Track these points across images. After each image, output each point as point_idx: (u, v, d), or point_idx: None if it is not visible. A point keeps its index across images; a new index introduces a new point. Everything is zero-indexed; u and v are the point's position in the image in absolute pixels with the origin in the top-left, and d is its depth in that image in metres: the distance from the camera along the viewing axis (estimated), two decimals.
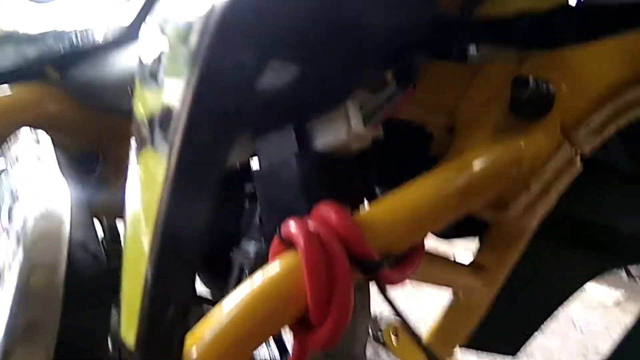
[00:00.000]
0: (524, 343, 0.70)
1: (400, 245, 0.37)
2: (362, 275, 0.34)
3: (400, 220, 0.37)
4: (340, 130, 0.40)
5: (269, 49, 0.21)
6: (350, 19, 0.35)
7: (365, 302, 0.52)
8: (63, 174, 0.46)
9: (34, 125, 0.65)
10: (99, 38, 0.53)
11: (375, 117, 0.42)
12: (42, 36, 0.63)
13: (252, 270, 0.61)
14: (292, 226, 0.34)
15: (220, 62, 0.17)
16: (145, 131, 0.21)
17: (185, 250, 0.21)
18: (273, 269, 0.34)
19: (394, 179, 0.65)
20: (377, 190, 0.67)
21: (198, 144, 0.19)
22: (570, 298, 0.70)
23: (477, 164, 0.39)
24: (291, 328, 0.34)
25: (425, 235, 0.38)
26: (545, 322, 0.70)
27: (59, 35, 0.61)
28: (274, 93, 0.38)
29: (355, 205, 0.43)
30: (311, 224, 0.34)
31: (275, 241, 0.35)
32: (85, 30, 0.56)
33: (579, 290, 0.69)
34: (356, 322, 0.44)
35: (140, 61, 0.24)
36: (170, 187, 0.19)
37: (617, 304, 2.68)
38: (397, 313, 0.34)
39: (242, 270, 0.66)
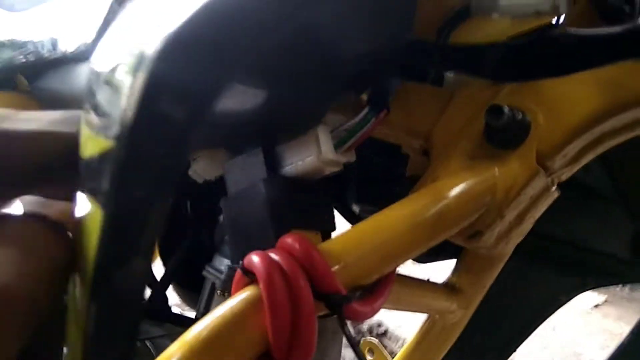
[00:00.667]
0: None
1: (370, 277, 0.36)
2: (328, 310, 0.33)
3: (370, 252, 0.35)
4: (311, 156, 0.39)
5: (220, 85, 0.19)
6: (322, 45, 0.34)
7: (337, 328, 0.51)
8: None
9: None
10: (67, 49, 0.51)
11: (348, 142, 0.40)
12: (13, 44, 0.61)
13: (224, 289, 0.60)
14: (254, 259, 0.33)
15: (152, 117, 0.16)
16: (84, 172, 0.20)
17: (126, 311, 0.20)
18: (234, 303, 0.33)
19: (372, 196, 0.65)
20: (356, 207, 0.66)
21: (131, 200, 0.17)
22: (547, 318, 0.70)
23: (450, 194, 0.38)
24: None
25: (396, 267, 0.37)
26: (522, 342, 0.69)
27: (29, 44, 0.59)
28: (239, 115, 0.37)
29: (328, 231, 0.42)
30: (274, 256, 0.33)
31: (238, 273, 0.34)
32: (54, 40, 0.55)
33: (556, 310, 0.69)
34: (326, 347, 0.43)
35: (87, 89, 0.22)
36: (102, 244, 0.18)
37: (597, 307, 2.70)
38: (355, 351, 0.33)
39: (213, 288, 0.65)
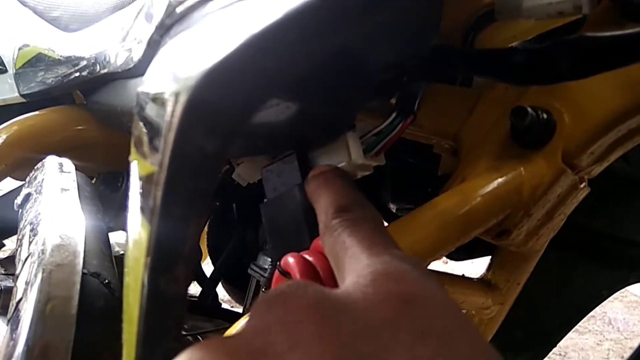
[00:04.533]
0: (542, 358, 0.70)
1: None
2: None
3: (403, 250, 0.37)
4: (342, 161, 0.41)
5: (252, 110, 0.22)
6: (352, 61, 0.36)
7: None
8: (86, 201, 0.49)
9: (63, 147, 0.68)
10: (117, 65, 0.55)
11: (377, 146, 0.42)
12: (70, 61, 0.66)
13: (267, 286, 0.64)
14: (290, 260, 0.35)
15: (190, 145, 0.19)
16: (137, 190, 0.23)
17: (171, 310, 0.23)
18: None
19: (407, 195, 0.67)
20: (392, 206, 0.68)
21: (171, 218, 0.20)
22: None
23: (477, 194, 0.39)
24: None
25: (426, 266, 0.39)
26: (562, 338, 0.69)
27: (83, 60, 0.64)
28: (273, 126, 0.40)
29: None
30: (309, 257, 0.36)
31: (277, 273, 0.37)
32: (106, 56, 0.59)
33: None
34: None
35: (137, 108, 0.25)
36: (149, 254, 0.21)
37: None
38: None
39: (258, 285, 0.68)
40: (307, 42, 0.24)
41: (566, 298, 0.69)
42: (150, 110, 0.22)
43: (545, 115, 0.40)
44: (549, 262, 0.53)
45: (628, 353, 2.20)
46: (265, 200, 0.44)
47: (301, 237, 0.40)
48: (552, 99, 0.41)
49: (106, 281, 0.40)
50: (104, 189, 0.72)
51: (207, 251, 0.81)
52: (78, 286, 0.36)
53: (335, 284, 0.35)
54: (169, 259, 0.21)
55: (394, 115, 0.42)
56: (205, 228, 0.80)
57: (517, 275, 0.52)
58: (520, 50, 0.36)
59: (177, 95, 0.19)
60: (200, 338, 0.64)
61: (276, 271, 0.37)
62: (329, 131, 0.42)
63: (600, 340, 2.22)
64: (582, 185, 0.43)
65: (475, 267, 0.58)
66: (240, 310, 0.78)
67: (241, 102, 0.19)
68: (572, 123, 0.40)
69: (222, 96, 0.19)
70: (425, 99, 0.47)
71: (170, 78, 0.22)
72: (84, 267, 0.39)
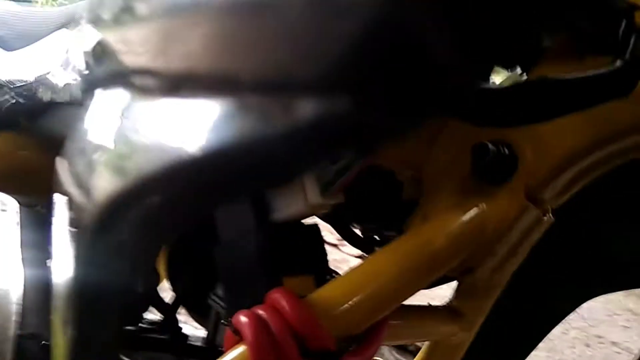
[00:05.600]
0: None
1: (362, 327, 0.36)
2: None
3: (361, 301, 0.36)
4: (297, 202, 0.39)
5: None
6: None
7: None
8: (29, 245, 0.45)
9: (7, 174, 0.64)
10: (61, 94, 0.52)
11: (336, 183, 0.40)
12: (12, 84, 0.62)
13: (228, 321, 0.61)
14: (242, 319, 0.33)
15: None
16: None
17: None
18: None
19: (371, 216, 0.65)
20: (357, 228, 0.66)
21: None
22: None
23: (439, 236, 0.38)
24: None
25: (387, 312, 0.37)
26: (531, 351, 0.69)
27: (27, 85, 0.60)
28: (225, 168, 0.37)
29: (321, 272, 0.42)
30: (262, 314, 0.34)
31: (229, 331, 0.35)
32: (49, 83, 0.55)
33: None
34: None
35: None
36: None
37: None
38: None
39: (218, 316, 0.65)
40: None
41: (533, 312, 0.69)
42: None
43: (506, 151, 0.38)
44: (512, 279, 0.52)
45: (593, 341, 2.26)
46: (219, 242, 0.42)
47: (256, 287, 0.38)
48: (514, 133, 0.39)
49: (46, 342, 0.37)
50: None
51: (165, 275, 0.77)
52: (10, 355, 0.33)
53: (289, 344, 0.33)
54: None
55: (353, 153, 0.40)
56: (163, 250, 0.77)
57: (484, 303, 0.51)
58: (480, 90, 0.34)
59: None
60: None
61: (228, 330, 0.35)
62: (282, 176, 0.39)
63: (566, 329, 2.27)
64: (545, 218, 0.42)
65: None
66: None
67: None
68: (534, 158, 0.39)
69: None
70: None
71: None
72: (20, 328, 0.36)
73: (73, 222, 0.20)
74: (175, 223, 0.20)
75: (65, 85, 0.51)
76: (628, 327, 2.39)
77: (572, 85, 0.31)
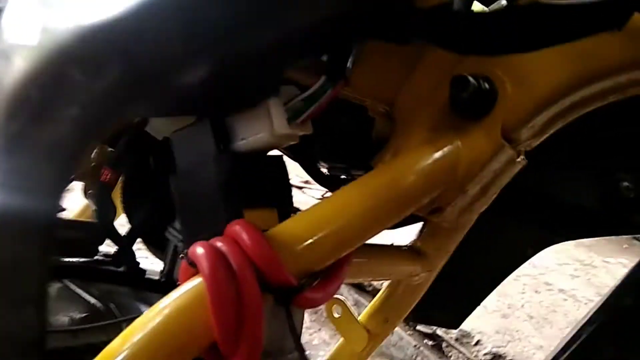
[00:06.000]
0: (466, 316, 0.71)
1: (325, 263, 0.34)
2: (278, 302, 0.32)
3: (325, 237, 0.34)
4: (263, 131, 0.36)
5: None
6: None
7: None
8: None
9: None
10: None
11: (303, 114, 0.38)
12: None
13: (185, 254, 0.59)
14: (198, 250, 0.31)
15: None
16: None
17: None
18: (178, 295, 0.31)
19: (340, 154, 0.63)
20: (324, 166, 0.64)
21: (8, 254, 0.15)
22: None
23: (410, 172, 0.36)
24: (204, 357, 0.32)
25: (352, 250, 0.35)
26: (489, 294, 0.70)
27: None
28: (180, 86, 0.34)
29: (285, 207, 0.40)
30: (220, 246, 0.31)
31: (184, 263, 0.32)
32: None
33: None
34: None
35: None
36: None
37: None
38: (298, 344, 0.32)
39: (176, 250, 0.63)
40: None
41: (492, 256, 0.69)
42: None
43: (487, 85, 0.36)
44: (477, 220, 0.51)
45: (542, 287, 2.36)
46: (175, 170, 0.39)
47: (215, 218, 0.36)
48: (495, 66, 0.37)
49: None
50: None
51: (122, 207, 0.74)
52: None
53: (249, 277, 0.31)
54: (12, 297, 0.16)
55: (323, 79, 0.37)
56: (120, 182, 0.73)
57: (447, 244, 0.51)
58: (463, 15, 0.31)
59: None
60: (114, 307, 0.60)
61: (184, 261, 0.33)
62: (248, 94, 0.36)
63: (517, 276, 2.36)
64: (519, 159, 0.40)
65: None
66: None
67: None
68: (514, 94, 0.37)
69: None
70: (360, 58, 0.42)
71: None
72: None
73: None
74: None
75: None
76: (576, 276, 2.50)
77: (565, 12, 0.29)
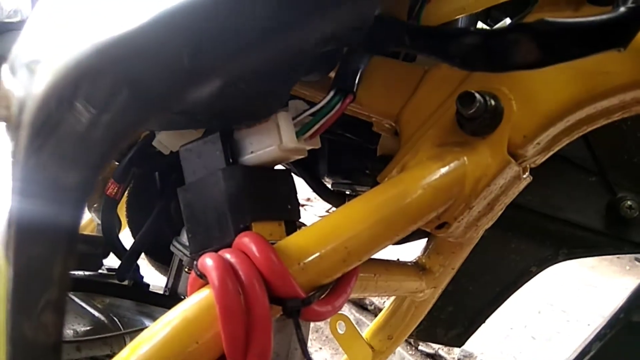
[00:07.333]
0: (471, 334, 0.71)
1: (332, 276, 0.34)
2: (287, 314, 0.32)
3: (332, 250, 0.34)
4: (271, 145, 0.37)
5: None
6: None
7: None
8: None
9: None
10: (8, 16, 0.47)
11: (312, 128, 0.38)
12: None
13: (190, 267, 0.59)
14: (207, 261, 0.31)
15: None
16: None
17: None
18: (187, 307, 0.31)
19: (344, 170, 0.63)
20: (328, 181, 0.65)
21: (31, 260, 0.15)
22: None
23: (416, 188, 0.36)
24: None
25: (359, 263, 0.36)
26: (493, 312, 0.70)
27: None
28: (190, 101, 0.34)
29: (292, 220, 0.40)
30: (229, 258, 0.31)
31: (193, 275, 0.33)
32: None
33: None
34: (292, 340, 0.42)
35: None
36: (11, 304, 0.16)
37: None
38: (307, 356, 0.32)
39: (181, 263, 0.63)
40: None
41: (497, 274, 0.69)
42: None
43: (492, 102, 0.37)
44: (482, 238, 0.51)
45: (545, 308, 2.35)
46: (184, 184, 0.39)
47: (224, 230, 0.36)
48: (501, 83, 0.38)
49: None
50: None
51: (126, 221, 0.75)
52: None
53: (258, 289, 0.31)
54: (32, 302, 0.17)
55: (332, 93, 0.38)
56: (125, 197, 0.74)
57: (452, 261, 0.51)
58: (470, 31, 0.32)
59: None
60: (118, 320, 0.60)
61: (192, 272, 0.33)
62: (257, 109, 0.37)
63: (520, 296, 2.35)
64: (524, 176, 0.41)
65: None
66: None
67: None
68: (520, 111, 0.37)
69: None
70: (366, 74, 0.43)
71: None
72: None
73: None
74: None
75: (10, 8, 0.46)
76: (579, 297, 2.48)
77: (571, 29, 0.29)
